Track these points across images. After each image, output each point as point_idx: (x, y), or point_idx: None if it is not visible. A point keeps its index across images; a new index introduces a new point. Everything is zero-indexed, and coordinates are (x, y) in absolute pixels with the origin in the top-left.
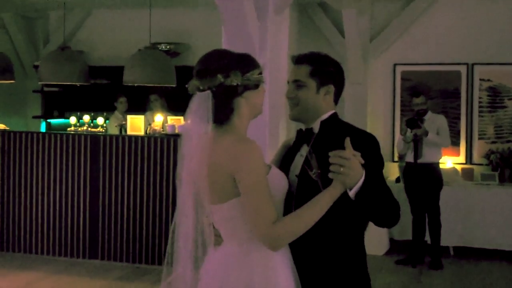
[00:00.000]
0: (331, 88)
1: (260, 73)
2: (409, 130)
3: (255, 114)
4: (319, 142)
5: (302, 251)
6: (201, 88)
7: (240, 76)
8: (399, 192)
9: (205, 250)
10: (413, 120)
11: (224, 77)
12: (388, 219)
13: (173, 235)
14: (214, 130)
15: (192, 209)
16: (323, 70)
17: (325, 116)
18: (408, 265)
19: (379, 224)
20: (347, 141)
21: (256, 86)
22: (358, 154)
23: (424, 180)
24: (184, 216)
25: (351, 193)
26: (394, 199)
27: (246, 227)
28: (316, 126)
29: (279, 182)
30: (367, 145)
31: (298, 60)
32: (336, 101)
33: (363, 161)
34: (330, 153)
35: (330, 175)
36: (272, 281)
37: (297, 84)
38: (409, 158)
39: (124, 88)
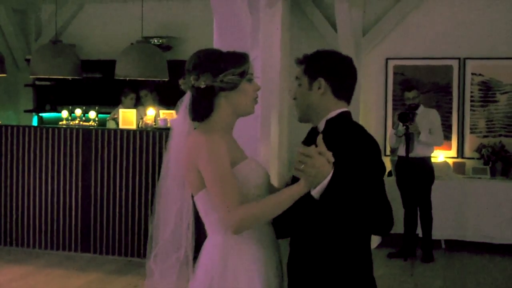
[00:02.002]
0: (322, 81)
1: (239, 74)
2: (400, 124)
3: (240, 113)
4: (335, 144)
5: (302, 255)
6: (182, 86)
7: (210, 78)
8: (391, 186)
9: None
10: (405, 114)
11: (195, 79)
12: (373, 227)
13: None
14: (197, 126)
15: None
16: (312, 64)
17: (331, 114)
18: (401, 258)
19: (366, 230)
20: (319, 139)
21: (232, 87)
22: (327, 153)
23: (416, 174)
24: (167, 205)
25: (313, 193)
26: (385, 207)
27: (214, 218)
28: (321, 125)
29: (249, 174)
30: (362, 149)
31: (298, 61)
32: (341, 96)
33: (332, 159)
34: (297, 149)
35: (293, 172)
36: (230, 278)
37: (297, 82)
38: (401, 152)
39: (117, 82)
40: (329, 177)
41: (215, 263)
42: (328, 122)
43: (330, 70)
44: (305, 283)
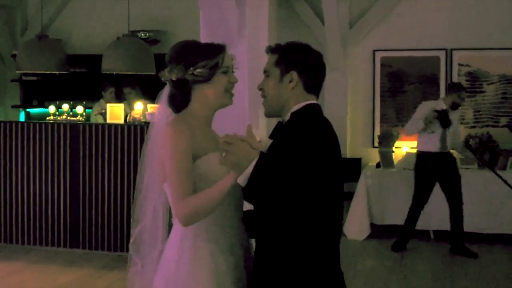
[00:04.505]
0: (294, 75)
1: (212, 66)
2: (438, 123)
3: (215, 105)
4: (285, 134)
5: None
6: (161, 78)
7: (182, 71)
8: (391, 178)
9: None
10: (446, 119)
11: (168, 72)
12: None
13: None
14: (174, 117)
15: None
16: (287, 57)
17: (297, 107)
18: (403, 250)
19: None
20: (248, 127)
21: (205, 79)
22: (251, 139)
23: (448, 169)
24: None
25: (238, 180)
26: (324, 207)
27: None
28: (286, 118)
29: (209, 168)
30: (301, 142)
31: (270, 50)
32: (311, 90)
33: (256, 146)
34: (221, 137)
35: (221, 162)
36: (183, 269)
37: (265, 74)
38: (431, 147)
39: (104, 76)
40: (253, 164)
41: (174, 252)
42: (293, 114)
43: (304, 64)
44: (267, 278)
